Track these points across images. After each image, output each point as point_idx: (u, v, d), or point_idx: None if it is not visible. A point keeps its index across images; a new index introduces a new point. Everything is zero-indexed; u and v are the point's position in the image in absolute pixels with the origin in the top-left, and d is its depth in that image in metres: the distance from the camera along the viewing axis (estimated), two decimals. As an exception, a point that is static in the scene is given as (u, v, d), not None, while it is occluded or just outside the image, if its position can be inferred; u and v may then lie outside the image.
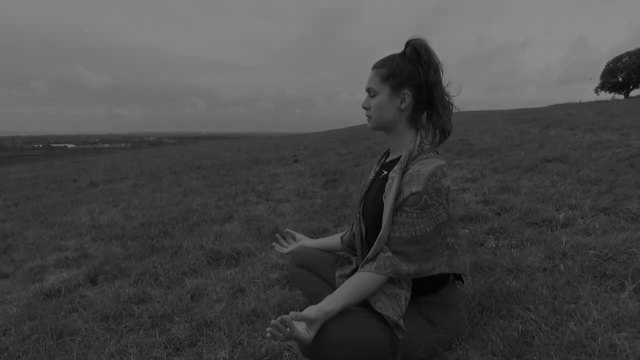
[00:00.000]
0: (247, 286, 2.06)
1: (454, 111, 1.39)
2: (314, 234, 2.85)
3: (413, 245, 1.26)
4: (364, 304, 1.32)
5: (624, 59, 46.79)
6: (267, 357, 1.43)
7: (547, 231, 2.34)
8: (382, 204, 1.32)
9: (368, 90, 1.40)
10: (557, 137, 6.99)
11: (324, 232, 2.86)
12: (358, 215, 1.48)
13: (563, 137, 6.90)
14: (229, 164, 7.64)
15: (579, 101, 29.43)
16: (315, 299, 1.33)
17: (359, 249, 1.46)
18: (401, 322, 1.28)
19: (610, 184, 3.09)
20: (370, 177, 1.51)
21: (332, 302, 1.22)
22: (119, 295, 2.08)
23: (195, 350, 1.53)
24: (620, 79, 47.48)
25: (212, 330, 1.64)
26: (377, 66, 1.39)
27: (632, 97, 38.92)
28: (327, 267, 1.60)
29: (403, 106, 1.36)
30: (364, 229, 1.44)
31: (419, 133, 1.39)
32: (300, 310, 1.72)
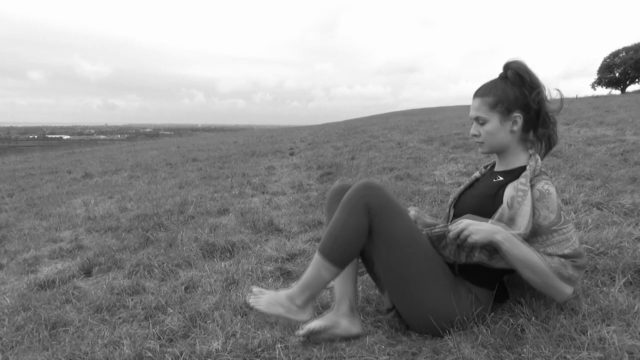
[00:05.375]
0: (240, 278, 2.07)
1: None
2: (308, 226, 2.86)
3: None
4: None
5: (620, 55, 46.78)
6: (259, 349, 1.44)
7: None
8: (486, 202, 1.44)
9: (476, 118, 1.48)
10: (552, 132, 7.00)
11: (319, 225, 2.87)
12: (450, 206, 1.61)
13: (558, 131, 6.92)
14: (225, 157, 7.63)
15: (575, 96, 29.50)
16: None
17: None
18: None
19: (604, 179, 3.10)
20: (476, 174, 1.64)
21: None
22: (113, 287, 2.08)
23: (188, 342, 1.53)
24: (617, 75, 47.50)
25: (206, 322, 1.65)
26: (482, 94, 1.46)
27: (628, 93, 39.01)
28: None
29: (515, 128, 1.45)
30: (451, 217, 1.57)
31: (532, 149, 1.50)
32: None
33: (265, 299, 1.49)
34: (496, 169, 1.57)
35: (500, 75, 1.47)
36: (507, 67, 1.45)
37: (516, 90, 1.42)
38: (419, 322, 1.42)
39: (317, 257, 1.44)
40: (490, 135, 1.47)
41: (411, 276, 1.39)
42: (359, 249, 1.43)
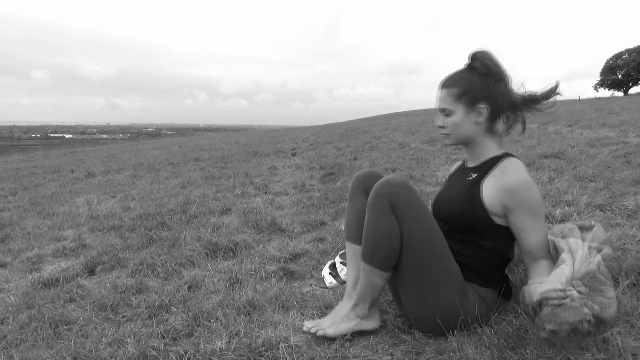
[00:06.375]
0: (244, 278, 2.07)
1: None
2: (311, 227, 2.86)
3: None
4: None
5: (623, 57, 46.68)
6: (263, 348, 1.44)
7: (544, 227, 2.35)
8: (466, 206, 1.43)
9: (442, 110, 1.46)
10: (555, 133, 6.99)
11: (322, 226, 2.87)
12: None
13: (561, 133, 6.91)
14: (227, 157, 7.64)
15: (578, 98, 29.42)
16: None
17: None
18: None
19: (607, 181, 3.10)
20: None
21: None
22: (116, 286, 2.09)
23: (192, 341, 1.54)
24: (620, 77, 47.38)
25: (209, 321, 1.65)
26: (448, 85, 1.45)
27: (631, 95, 38.90)
28: None
29: (480, 120, 1.43)
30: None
31: (498, 139, 1.49)
32: (298, 303, 1.74)
33: (328, 322, 1.49)
34: (469, 164, 1.55)
35: (467, 66, 1.45)
36: (474, 57, 1.42)
37: (482, 82, 1.40)
38: (427, 322, 1.42)
39: (364, 265, 1.43)
40: (456, 127, 1.45)
41: (430, 276, 1.38)
42: (399, 247, 1.39)
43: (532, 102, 1.46)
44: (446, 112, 1.46)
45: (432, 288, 1.38)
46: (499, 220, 1.40)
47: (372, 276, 1.43)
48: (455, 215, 1.45)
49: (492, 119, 1.45)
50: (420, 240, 1.37)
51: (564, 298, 1.13)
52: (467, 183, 1.48)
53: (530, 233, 1.38)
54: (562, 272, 1.20)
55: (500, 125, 1.48)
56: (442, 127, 1.49)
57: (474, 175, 1.47)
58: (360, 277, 1.47)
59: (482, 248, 1.44)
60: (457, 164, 1.69)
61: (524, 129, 1.49)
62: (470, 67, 1.44)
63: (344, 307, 1.51)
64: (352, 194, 1.62)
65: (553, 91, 1.46)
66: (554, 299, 1.14)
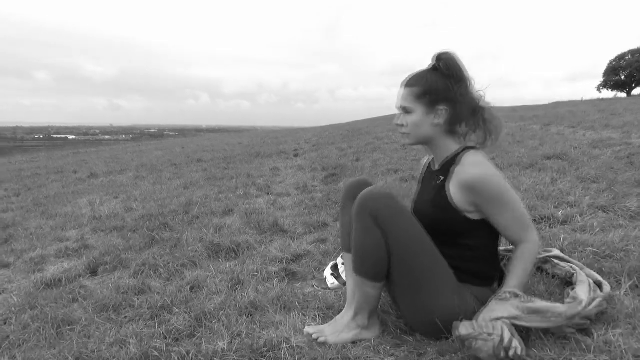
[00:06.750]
0: (246, 279, 2.07)
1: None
2: (313, 228, 2.86)
3: None
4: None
5: (626, 57, 46.54)
6: (265, 349, 1.44)
7: (546, 228, 2.35)
8: (440, 214, 1.42)
9: (403, 108, 1.44)
10: (558, 134, 6.98)
11: (324, 227, 2.87)
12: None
13: (564, 134, 6.90)
14: (229, 157, 7.65)
15: (581, 99, 29.35)
16: None
17: None
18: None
19: (609, 182, 3.09)
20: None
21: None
22: (119, 286, 2.10)
23: (194, 341, 1.54)
24: (622, 77, 47.24)
25: (211, 322, 1.66)
26: (410, 84, 1.43)
27: (634, 96, 38.79)
28: None
29: (437, 121, 1.41)
30: None
31: (459, 139, 1.46)
32: (300, 303, 1.74)
33: (329, 331, 1.49)
34: (434, 166, 1.53)
35: (431, 66, 1.43)
36: (438, 58, 1.40)
37: (442, 83, 1.38)
38: (426, 326, 1.42)
39: (355, 277, 1.46)
40: (415, 127, 1.43)
41: (423, 282, 1.38)
42: (387, 257, 1.39)
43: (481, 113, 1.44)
44: (406, 111, 1.44)
45: (425, 293, 1.38)
46: (474, 216, 1.39)
47: (365, 287, 1.44)
48: (433, 221, 1.44)
49: (452, 121, 1.42)
50: (407, 247, 1.37)
51: (478, 337, 1.23)
52: (435, 187, 1.47)
53: (500, 222, 1.38)
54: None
55: (461, 128, 1.45)
56: (401, 126, 1.46)
57: (440, 179, 1.46)
58: (356, 288, 1.49)
59: (466, 247, 1.42)
60: (425, 160, 1.66)
61: (486, 136, 1.46)
62: (434, 68, 1.42)
63: (345, 317, 1.52)
64: (343, 205, 1.62)
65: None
66: (470, 338, 1.24)
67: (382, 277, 1.42)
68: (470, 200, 1.37)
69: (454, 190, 1.39)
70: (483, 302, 1.41)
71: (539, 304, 1.31)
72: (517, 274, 1.38)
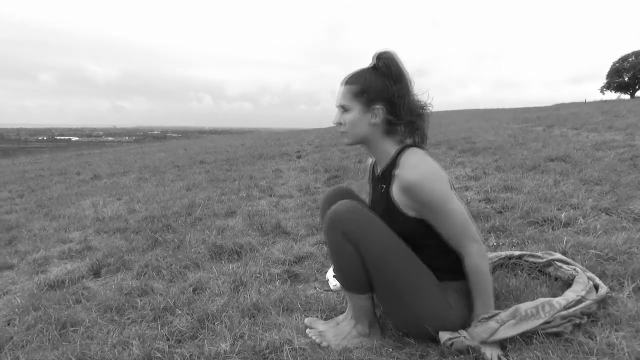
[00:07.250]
0: (248, 280, 2.08)
1: (428, 113, 1.44)
2: (316, 229, 2.86)
3: None
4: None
5: (630, 59, 46.44)
6: (267, 350, 1.44)
7: (549, 230, 2.34)
8: (385, 219, 1.40)
9: (341, 106, 1.43)
10: (560, 136, 6.97)
11: (326, 228, 2.87)
12: None
13: (567, 136, 6.88)
14: (232, 159, 7.66)
15: (584, 101, 29.27)
16: None
17: None
18: None
19: (612, 184, 3.09)
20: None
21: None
22: (121, 288, 2.10)
23: (196, 343, 1.55)
24: (626, 79, 47.13)
25: (214, 323, 1.66)
26: (349, 82, 1.41)
27: (637, 97, 38.67)
28: None
29: (374, 121, 1.40)
30: None
31: (398, 140, 1.44)
32: (302, 305, 1.75)
33: (330, 335, 1.50)
34: (377, 170, 1.52)
35: (372, 65, 1.41)
36: (378, 57, 1.39)
37: (381, 82, 1.37)
38: (417, 329, 1.41)
39: (344, 292, 1.51)
40: (352, 125, 1.41)
41: (404, 288, 1.37)
42: (364, 269, 1.38)
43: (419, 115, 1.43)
44: (344, 109, 1.42)
45: (409, 298, 1.37)
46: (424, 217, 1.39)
47: (355, 300, 1.46)
48: (393, 230, 1.41)
49: (389, 121, 1.40)
50: (381, 258, 1.36)
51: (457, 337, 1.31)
52: (382, 196, 1.46)
53: (440, 228, 1.36)
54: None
55: (400, 130, 1.44)
56: (339, 124, 1.45)
57: (384, 186, 1.45)
58: (348, 300, 1.52)
59: (430, 247, 1.41)
60: (370, 162, 1.64)
61: (423, 139, 1.45)
62: (374, 67, 1.40)
63: (347, 325, 1.51)
64: (322, 215, 1.60)
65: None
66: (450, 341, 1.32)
67: (367, 288, 1.43)
68: (409, 205, 1.37)
69: (398, 195, 1.38)
70: (467, 295, 1.40)
71: (513, 308, 1.36)
72: (478, 298, 1.36)
